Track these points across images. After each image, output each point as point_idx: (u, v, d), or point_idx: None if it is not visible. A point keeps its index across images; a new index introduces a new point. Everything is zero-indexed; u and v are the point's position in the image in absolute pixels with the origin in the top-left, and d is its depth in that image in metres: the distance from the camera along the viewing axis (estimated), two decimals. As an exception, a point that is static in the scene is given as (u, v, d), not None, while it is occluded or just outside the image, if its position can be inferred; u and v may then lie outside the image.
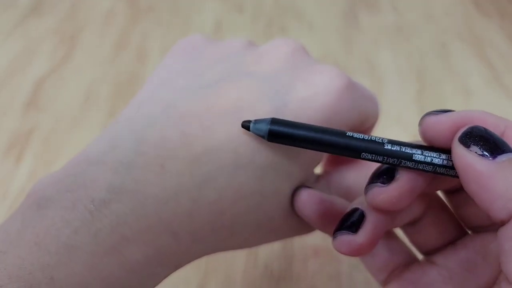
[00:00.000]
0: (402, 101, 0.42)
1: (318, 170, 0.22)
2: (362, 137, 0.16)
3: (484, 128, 0.15)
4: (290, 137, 0.17)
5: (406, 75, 0.45)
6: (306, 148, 0.17)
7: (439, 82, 0.44)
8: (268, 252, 0.31)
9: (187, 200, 0.17)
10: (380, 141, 0.16)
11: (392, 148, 0.16)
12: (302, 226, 0.20)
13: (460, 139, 0.15)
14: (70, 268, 0.14)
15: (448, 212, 0.20)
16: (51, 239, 0.14)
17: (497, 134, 0.15)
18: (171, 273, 0.18)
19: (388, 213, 0.17)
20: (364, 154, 0.16)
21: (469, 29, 0.51)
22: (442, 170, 0.16)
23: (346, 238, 0.17)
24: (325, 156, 0.22)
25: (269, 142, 0.17)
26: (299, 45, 0.21)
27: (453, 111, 0.16)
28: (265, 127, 0.17)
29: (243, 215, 0.18)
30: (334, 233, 0.17)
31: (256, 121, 0.17)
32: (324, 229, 0.20)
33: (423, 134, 0.16)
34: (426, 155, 0.16)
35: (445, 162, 0.16)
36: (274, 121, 0.17)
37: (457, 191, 0.19)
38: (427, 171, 0.16)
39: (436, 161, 0.16)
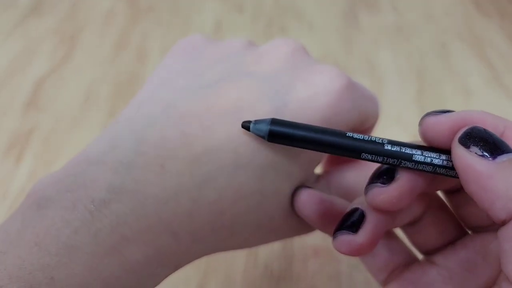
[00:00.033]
0: (402, 101, 0.42)
1: (318, 170, 0.22)
2: (362, 137, 0.16)
3: (484, 129, 0.15)
4: (290, 138, 0.17)
5: (406, 75, 0.45)
6: (306, 148, 0.17)
7: (439, 82, 0.44)
8: (268, 252, 0.31)
9: (187, 200, 0.17)
10: (380, 141, 0.16)
11: (392, 149, 0.16)
12: (302, 226, 0.20)
13: (460, 140, 0.15)
14: (70, 269, 0.14)
15: (448, 212, 0.20)
16: (51, 239, 0.14)
17: (497, 134, 0.15)
18: (171, 273, 0.18)
19: (388, 213, 0.17)
20: (364, 155, 0.16)
21: (469, 29, 0.51)
22: (442, 170, 0.16)
23: (346, 238, 0.17)
24: (325, 156, 0.22)
25: (269, 143, 0.17)
26: (299, 45, 0.21)
27: (453, 111, 0.16)
28: (265, 128, 0.17)
29: (243, 215, 0.18)
30: (334, 233, 0.17)
31: (256, 122, 0.17)
32: (324, 229, 0.20)
33: (423, 134, 0.16)
34: (426, 155, 0.16)
35: (445, 162, 0.16)
36: (274, 121, 0.17)
37: (457, 191, 0.19)
38: (427, 172, 0.16)
39: (436, 161, 0.16)
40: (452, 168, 0.15)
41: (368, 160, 0.16)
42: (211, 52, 0.21)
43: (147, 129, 0.17)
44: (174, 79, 0.20)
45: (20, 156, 0.38)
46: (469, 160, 0.14)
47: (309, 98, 0.18)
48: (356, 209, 0.17)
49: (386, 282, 0.20)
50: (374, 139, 0.16)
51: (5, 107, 0.42)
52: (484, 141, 0.14)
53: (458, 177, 0.15)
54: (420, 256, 0.21)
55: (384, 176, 0.16)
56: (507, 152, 0.14)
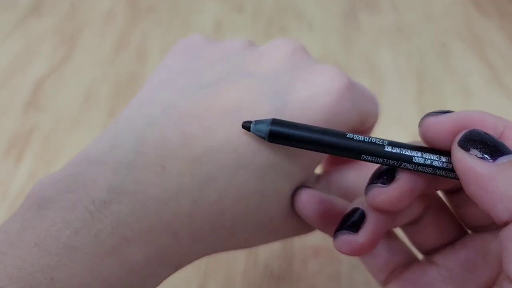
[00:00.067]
0: (402, 101, 0.42)
1: (318, 170, 0.22)
2: (362, 139, 0.16)
3: (483, 131, 0.15)
4: (290, 138, 0.17)
5: (406, 75, 0.45)
6: (306, 149, 0.17)
7: (439, 82, 0.44)
8: (268, 252, 0.31)
9: (188, 200, 0.17)
10: (380, 143, 0.16)
11: (392, 151, 0.16)
12: (302, 226, 0.20)
13: (459, 143, 0.15)
14: (71, 269, 0.14)
15: (448, 212, 0.20)
16: (51, 240, 0.14)
17: (497, 134, 0.15)
18: (171, 273, 0.18)
19: (388, 213, 0.17)
20: (364, 156, 0.16)
21: (469, 29, 0.51)
22: (442, 172, 0.16)
23: (347, 238, 0.17)
24: (325, 156, 0.22)
25: (269, 143, 0.17)
26: (299, 45, 0.21)
27: (453, 111, 0.16)
28: (265, 128, 0.17)
29: (243, 215, 0.18)
30: (335, 233, 0.17)
31: (257, 122, 0.17)
32: (324, 229, 0.20)
33: (423, 135, 0.16)
34: (426, 157, 0.16)
35: (445, 164, 0.16)
36: (274, 121, 0.17)
37: (457, 191, 0.19)
38: (427, 173, 0.16)
39: (436, 163, 0.16)
40: (452, 170, 0.15)
41: (368, 161, 0.16)
42: (211, 52, 0.21)
43: (147, 129, 0.17)
44: (174, 79, 0.20)
45: (20, 156, 0.38)
46: (469, 163, 0.14)
47: (309, 98, 0.18)
48: (356, 209, 0.17)
49: (386, 282, 0.20)
50: (374, 140, 0.16)
51: (5, 107, 0.42)
52: (483, 143, 0.14)
53: (458, 179, 0.15)
54: (420, 256, 0.21)
55: (384, 176, 0.16)
56: (507, 154, 0.14)
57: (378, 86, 0.44)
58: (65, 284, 0.14)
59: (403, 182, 0.16)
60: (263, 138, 0.17)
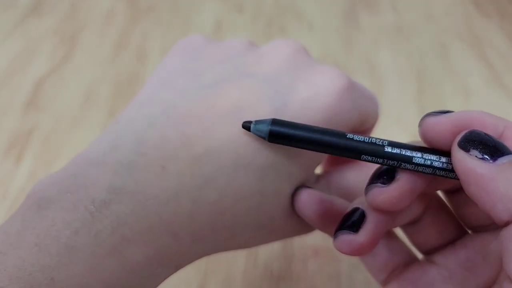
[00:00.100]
0: (402, 101, 0.42)
1: (318, 170, 0.22)
2: (362, 139, 0.16)
3: (483, 132, 0.15)
4: (290, 138, 0.17)
5: (406, 75, 0.45)
6: (306, 149, 0.17)
7: (439, 82, 0.44)
8: (268, 252, 0.31)
9: (188, 200, 0.17)
10: (380, 143, 0.16)
11: (392, 151, 0.16)
12: (302, 226, 0.20)
13: (459, 144, 0.15)
14: (71, 269, 0.14)
15: (448, 212, 0.20)
16: (52, 240, 0.14)
17: (496, 134, 0.15)
18: (171, 273, 0.18)
19: (388, 213, 0.17)
20: (364, 156, 0.16)
21: (469, 29, 0.51)
22: (442, 172, 0.16)
23: (347, 237, 0.17)
24: (325, 156, 0.22)
25: (270, 143, 0.17)
26: (300, 46, 0.21)
27: (453, 111, 0.16)
28: (265, 128, 0.17)
29: (244, 215, 0.18)
30: (335, 233, 0.17)
31: (257, 122, 0.17)
32: (324, 229, 0.20)
33: (423, 135, 0.16)
34: (426, 158, 0.16)
35: (444, 165, 0.16)
36: (274, 122, 0.17)
37: (457, 191, 0.19)
38: (427, 173, 0.16)
39: (436, 164, 0.16)
40: (452, 170, 0.15)
41: (368, 161, 0.16)
42: (212, 52, 0.21)
43: (147, 129, 0.17)
44: (174, 79, 0.20)
45: (20, 156, 0.38)
46: (469, 164, 0.14)
47: (309, 99, 0.18)
48: (356, 209, 0.17)
49: (386, 282, 0.20)
50: (374, 140, 0.16)
51: (5, 107, 0.42)
52: (483, 144, 0.14)
53: (458, 179, 0.15)
54: (420, 256, 0.21)
55: (384, 176, 0.16)
56: (507, 154, 0.14)
57: (378, 86, 0.44)
58: (65, 284, 0.14)
59: (403, 182, 0.16)
60: (263, 138, 0.17)
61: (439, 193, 0.20)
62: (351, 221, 0.17)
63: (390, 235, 0.21)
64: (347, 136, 0.16)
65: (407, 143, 0.17)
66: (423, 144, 0.17)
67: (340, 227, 0.17)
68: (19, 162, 0.37)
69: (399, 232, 0.21)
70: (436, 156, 0.16)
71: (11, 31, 0.51)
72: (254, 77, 0.19)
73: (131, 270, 0.16)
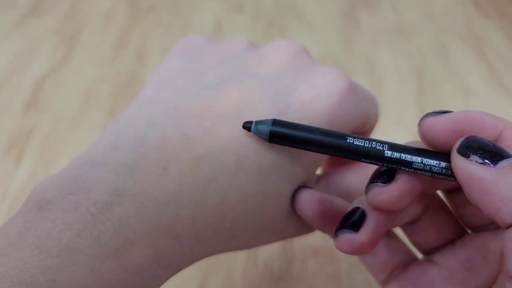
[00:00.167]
0: (402, 101, 0.43)
1: (318, 171, 0.22)
2: (362, 143, 0.16)
3: (481, 138, 0.15)
4: (291, 139, 0.17)
5: (406, 75, 0.45)
6: (306, 149, 0.17)
7: (439, 82, 0.45)
8: (268, 252, 0.31)
9: (190, 201, 0.17)
10: (380, 147, 0.16)
11: (392, 156, 0.16)
12: (303, 226, 0.20)
13: (459, 151, 0.15)
14: (72, 271, 0.14)
15: (447, 212, 0.20)
16: (53, 242, 0.14)
17: (495, 134, 0.15)
18: (173, 275, 0.18)
19: (388, 212, 0.17)
20: (364, 160, 0.16)
21: (469, 29, 0.51)
22: (441, 176, 0.16)
23: (348, 237, 0.17)
24: (326, 157, 0.22)
25: (271, 144, 0.17)
26: (301, 47, 0.21)
27: (452, 112, 0.16)
28: (266, 129, 0.17)
29: (245, 217, 0.18)
30: (336, 232, 0.17)
31: (257, 122, 0.17)
32: (324, 229, 0.20)
33: (422, 135, 0.16)
34: (426, 163, 0.16)
35: (443, 170, 0.16)
36: (275, 122, 0.17)
37: (457, 191, 0.19)
38: (427, 176, 0.16)
39: (435, 169, 0.16)
40: (452, 175, 0.15)
41: (368, 163, 0.16)
42: (212, 53, 0.21)
43: (147, 130, 0.17)
44: (175, 79, 0.20)
45: (20, 156, 0.38)
46: (470, 169, 0.14)
47: (311, 100, 0.18)
48: (357, 209, 0.17)
49: (386, 282, 0.20)
50: (374, 144, 0.16)
51: (5, 107, 0.42)
52: (482, 149, 0.14)
53: (457, 181, 0.15)
54: (420, 255, 0.21)
55: (384, 176, 0.16)
56: (507, 157, 0.14)
57: (378, 86, 0.44)
58: (66, 286, 0.14)
59: (403, 181, 0.16)
60: (264, 138, 0.17)
61: (439, 193, 0.20)
62: (351, 221, 0.17)
63: (390, 235, 0.21)
64: (347, 138, 0.16)
65: (408, 145, 0.17)
66: (423, 145, 0.17)
67: (340, 227, 0.17)
68: (19, 162, 0.37)
69: (399, 232, 0.21)
70: (436, 162, 0.16)
71: (11, 31, 0.51)
72: (255, 77, 0.19)
73: (133, 272, 0.16)
